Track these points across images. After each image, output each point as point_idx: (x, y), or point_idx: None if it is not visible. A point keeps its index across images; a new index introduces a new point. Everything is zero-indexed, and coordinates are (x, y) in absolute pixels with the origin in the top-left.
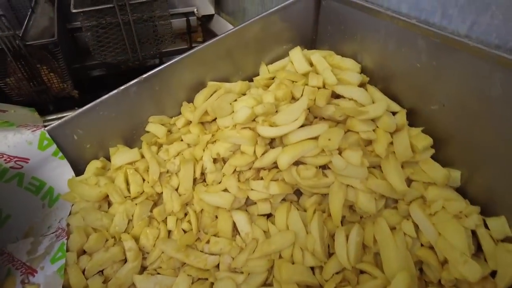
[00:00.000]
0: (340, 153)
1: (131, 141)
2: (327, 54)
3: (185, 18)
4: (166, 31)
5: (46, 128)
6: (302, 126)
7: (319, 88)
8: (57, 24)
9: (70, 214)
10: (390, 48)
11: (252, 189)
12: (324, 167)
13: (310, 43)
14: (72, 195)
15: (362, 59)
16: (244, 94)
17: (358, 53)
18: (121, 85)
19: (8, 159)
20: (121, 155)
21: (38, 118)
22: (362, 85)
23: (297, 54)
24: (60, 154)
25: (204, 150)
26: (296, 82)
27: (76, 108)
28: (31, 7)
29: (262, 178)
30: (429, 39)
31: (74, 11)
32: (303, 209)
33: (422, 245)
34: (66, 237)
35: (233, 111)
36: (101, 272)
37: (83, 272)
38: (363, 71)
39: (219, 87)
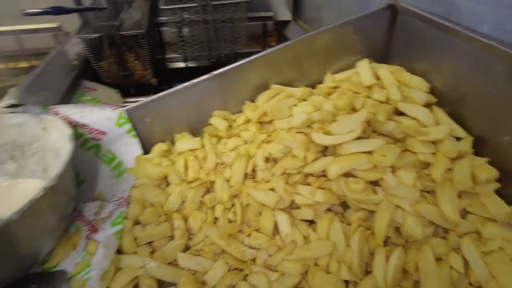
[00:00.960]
0: (393, 172)
1: (195, 131)
2: (396, 69)
3: (262, 22)
4: (242, 33)
5: (124, 108)
6: (358, 138)
7: (381, 102)
8: (147, 18)
9: (132, 186)
10: (464, 70)
11: (298, 193)
12: (375, 183)
13: (381, 57)
14: (136, 170)
15: (432, 78)
16: (305, 100)
17: (429, 72)
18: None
19: (91, 131)
20: (184, 142)
21: (119, 99)
22: (428, 105)
23: (364, 66)
24: (134, 132)
25: (258, 148)
26: (358, 93)
27: (151, 94)
28: (129, 1)
29: (309, 184)
30: (510, 64)
31: (162, 7)
32: (348, 223)
33: (470, 284)
34: (126, 206)
35: (291, 115)
36: (149, 243)
37: (135, 240)
38: (432, 91)
39: (281, 90)
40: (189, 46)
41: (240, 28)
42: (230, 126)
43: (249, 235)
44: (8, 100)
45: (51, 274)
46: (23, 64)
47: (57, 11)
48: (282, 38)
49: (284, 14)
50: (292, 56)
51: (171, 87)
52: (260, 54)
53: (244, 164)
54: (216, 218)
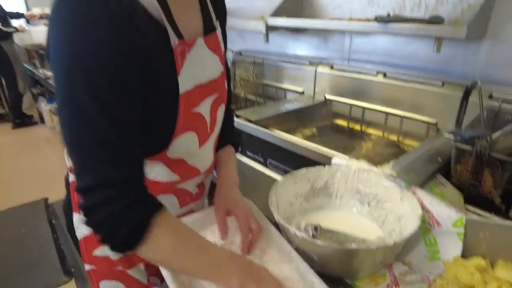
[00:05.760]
0: None
1: None
2: None
3: None
4: None
5: (466, 216)
6: None
7: None
8: None
9: (440, 275)
10: None
11: None
12: None
13: None
14: (450, 266)
15: None
16: None
17: None
18: None
19: (431, 217)
20: (509, 272)
21: (462, 205)
22: None
23: None
24: (462, 237)
25: None
26: None
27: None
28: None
29: None
30: None
31: None
32: None
33: None
34: (428, 285)
35: None
36: None
37: None
38: None
39: None
40: None
41: None
42: None
43: None
44: (389, 170)
45: None
46: (393, 137)
47: None
48: None
49: None
50: None
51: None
52: None
53: None
54: None
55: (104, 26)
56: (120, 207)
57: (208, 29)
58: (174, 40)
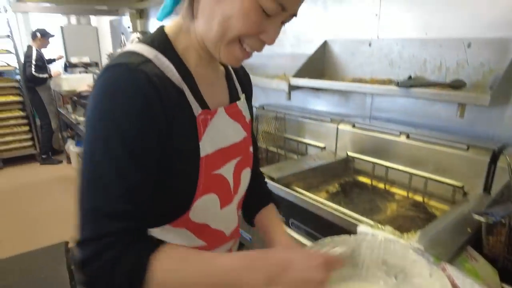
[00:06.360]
0: None
1: None
2: None
3: None
4: None
5: None
6: None
7: None
8: None
9: None
10: None
11: None
12: None
13: None
14: None
15: None
16: None
17: None
18: None
19: None
20: None
21: (498, 283)
22: None
23: None
24: None
25: None
26: None
27: None
28: None
29: None
30: None
31: None
32: None
33: None
34: None
35: None
36: None
37: None
38: None
39: None
40: None
41: None
42: None
43: None
44: (416, 242)
45: None
46: (418, 198)
47: None
48: None
49: None
50: None
51: None
52: None
53: None
54: None
55: (127, 95)
56: (114, 254)
57: (233, 100)
58: (197, 109)
